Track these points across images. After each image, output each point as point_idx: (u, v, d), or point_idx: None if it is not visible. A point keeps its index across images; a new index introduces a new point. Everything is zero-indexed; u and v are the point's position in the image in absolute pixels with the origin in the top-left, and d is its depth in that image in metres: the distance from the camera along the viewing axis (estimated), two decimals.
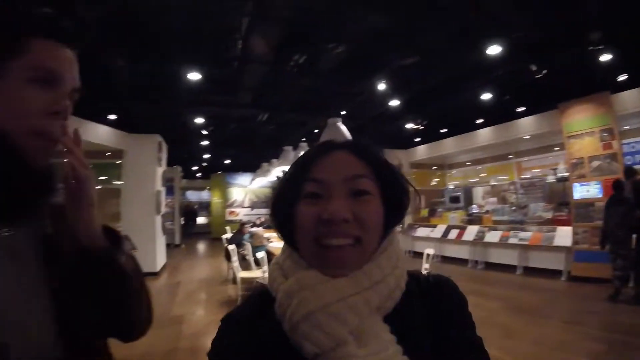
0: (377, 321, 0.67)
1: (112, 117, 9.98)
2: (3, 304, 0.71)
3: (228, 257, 8.25)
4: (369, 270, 0.69)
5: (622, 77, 7.90)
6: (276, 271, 0.75)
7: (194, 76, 7.62)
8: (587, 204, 7.93)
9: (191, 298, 7.93)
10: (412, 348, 0.66)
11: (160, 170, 10.99)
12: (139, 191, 9.99)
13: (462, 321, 0.74)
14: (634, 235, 6.16)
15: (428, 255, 5.64)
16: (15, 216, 0.78)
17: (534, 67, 7.13)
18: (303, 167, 0.74)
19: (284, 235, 0.78)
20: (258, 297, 0.77)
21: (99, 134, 9.07)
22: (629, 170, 6.68)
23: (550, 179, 10.43)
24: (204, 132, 12.57)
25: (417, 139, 14.20)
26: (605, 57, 6.65)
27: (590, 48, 6.34)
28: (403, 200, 0.77)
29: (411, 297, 0.72)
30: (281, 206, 0.75)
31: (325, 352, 0.63)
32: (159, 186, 10.78)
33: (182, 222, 19.93)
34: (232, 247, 7.67)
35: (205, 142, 14.82)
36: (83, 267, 0.79)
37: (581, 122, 8.18)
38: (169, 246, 14.26)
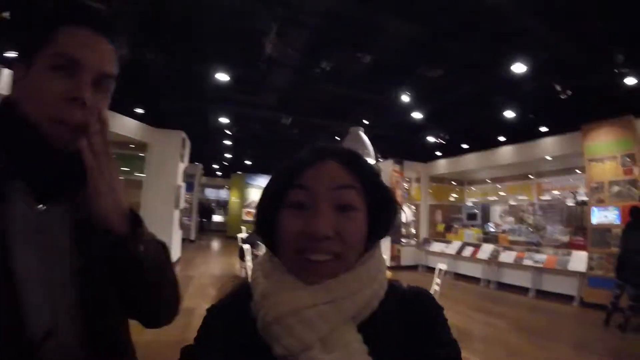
0: (350, 330, 0.68)
1: (139, 110, 10.23)
2: (28, 276, 0.75)
3: (242, 256, 8.34)
4: (345, 281, 0.69)
5: None
6: (258, 271, 0.76)
7: (222, 77, 7.79)
8: (604, 230, 7.79)
9: (202, 292, 8.04)
10: (384, 358, 0.66)
11: (182, 166, 11.21)
12: (160, 185, 10.19)
13: (437, 331, 0.73)
14: None
15: (440, 270, 5.57)
16: (50, 195, 0.82)
17: (558, 87, 7.08)
18: (290, 173, 0.73)
19: (265, 239, 0.79)
20: (240, 292, 0.78)
21: (125, 126, 9.33)
22: None
23: (570, 202, 10.31)
24: (228, 132, 12.73)
25: (438, 153, 14.16)
26: (631, 81, 6.58)
27: (616, 71, 6.29)
28: (389, 215, 0.78)
29: (389, 306, 0.73)
30: (265, 210, 0.76)
31: (293, 355, 0.64)
32: (180, 181, 10.99)
33: (199, 219, 20.14)
34: (246, 246, 7.77)
35: (227, 142, 15.01)
36: (100, 252, 0.81)
37: (603, 145, 8.07)
38: (184, 241, 14.45)
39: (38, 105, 0.79)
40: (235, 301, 0.77)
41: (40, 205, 0.81)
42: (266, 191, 0.77)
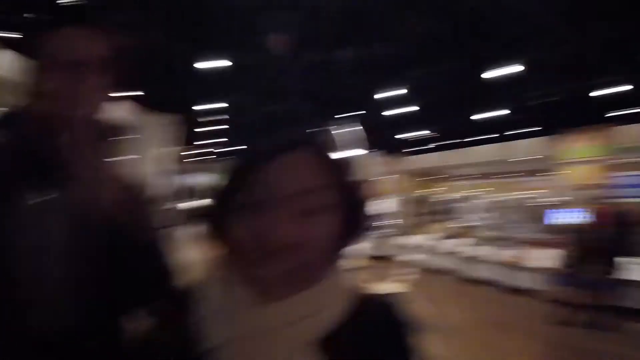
0: (308, 354, 0.57)
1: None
2: (32, 258, 0.80)
3: None
4: (308, 298, 0.59)
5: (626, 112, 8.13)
6: (208, 278, 0.65)
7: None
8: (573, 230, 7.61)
9: None
10: None
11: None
12: None
13: (396, 344, 0.63)
14: None
15: (414, 261, 5.43)
16: (54, 187, 0.84)
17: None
18: (247, 168, 0.60)
19: (217, 245, 0.64)
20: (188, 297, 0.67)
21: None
22: None
23: (539, 201, 10.54)
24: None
25: (424, 147, 14.67)
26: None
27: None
28: (360, 219, 0.66)
29: (353, 320, 0.61)
30: (217, 211, 0.63)
31: None
32: None
33: None
34: None
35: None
36: (95, 239, 0.81)
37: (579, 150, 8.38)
38: None
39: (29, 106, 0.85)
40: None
41: (51, 193, 0.84)
42: (219, 188, 0.64)
